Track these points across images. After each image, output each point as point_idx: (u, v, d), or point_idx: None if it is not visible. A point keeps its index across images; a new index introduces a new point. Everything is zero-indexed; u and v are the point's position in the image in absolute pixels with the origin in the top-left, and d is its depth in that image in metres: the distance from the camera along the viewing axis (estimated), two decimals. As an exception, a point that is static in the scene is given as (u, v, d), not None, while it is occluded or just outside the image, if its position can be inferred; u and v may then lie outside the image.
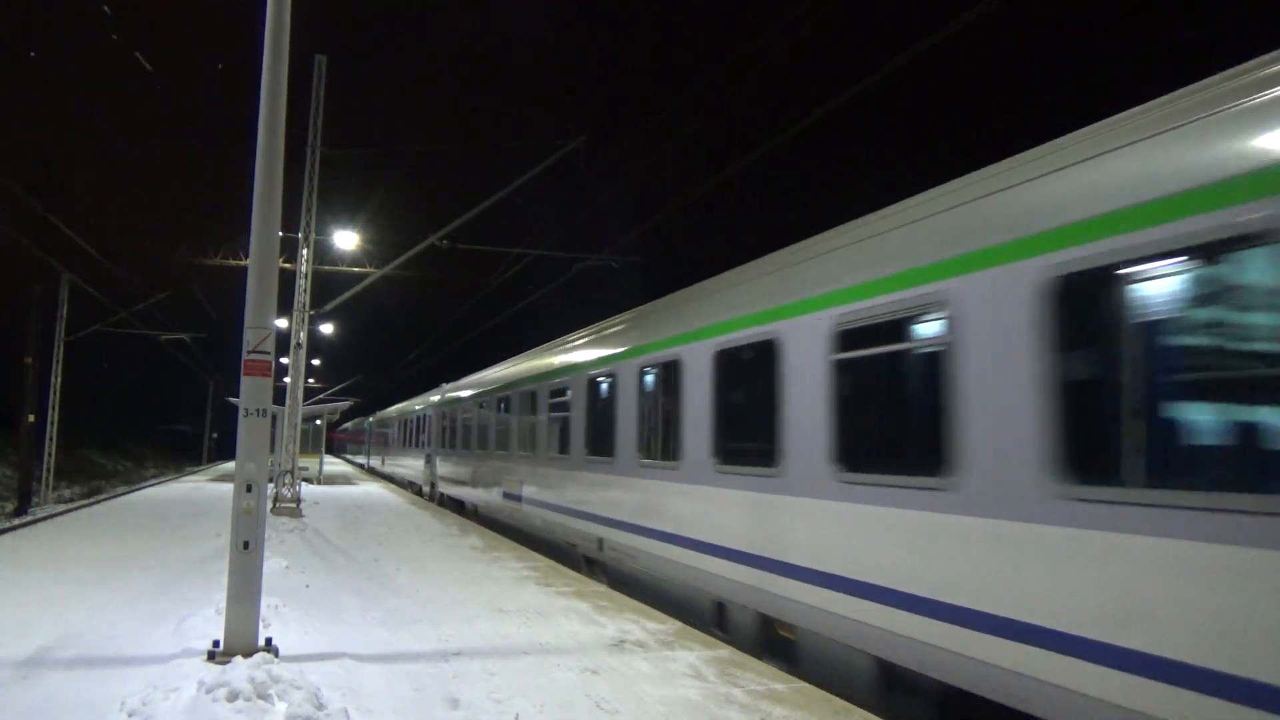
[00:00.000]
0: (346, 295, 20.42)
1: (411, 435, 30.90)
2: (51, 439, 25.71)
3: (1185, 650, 3.70)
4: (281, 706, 4.80)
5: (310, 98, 18.78)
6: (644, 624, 7.72)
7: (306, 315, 19.36)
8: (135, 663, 6.00)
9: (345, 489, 28.52)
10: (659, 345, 9.43)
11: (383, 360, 58.89)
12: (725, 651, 6.79)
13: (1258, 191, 3.65)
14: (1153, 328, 4.14)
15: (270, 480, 15.03)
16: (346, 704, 5.03)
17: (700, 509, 8.20)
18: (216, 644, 5.99)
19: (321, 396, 49.23)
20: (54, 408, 25.88)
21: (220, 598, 6.46)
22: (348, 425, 74.70)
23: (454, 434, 22.01)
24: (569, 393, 12.41)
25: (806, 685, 5.84)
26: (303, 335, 19.22)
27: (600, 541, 10.74)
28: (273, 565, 9.43)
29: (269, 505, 14.49)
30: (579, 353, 12.47)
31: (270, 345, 6.39)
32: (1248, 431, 3.80)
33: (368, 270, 23.91)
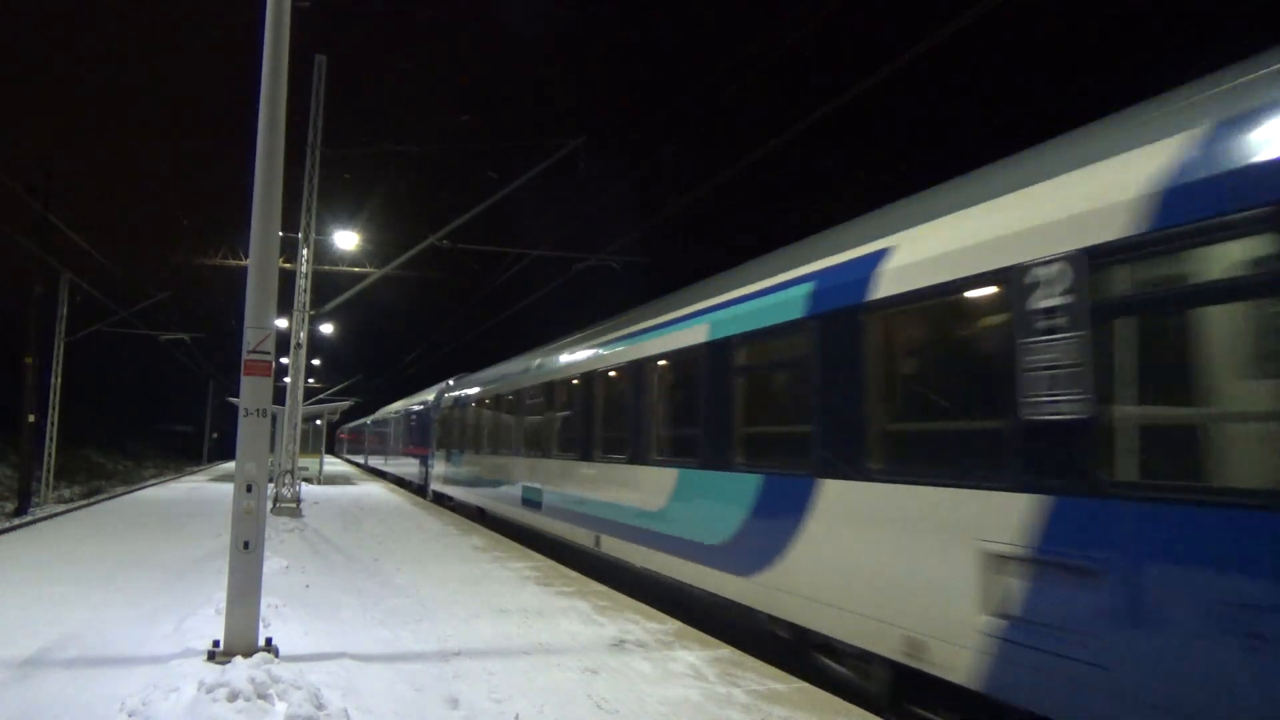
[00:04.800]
0: (346, 295, 20.42)
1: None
2: (51, 439, 25.70)
3: None
4: (281, 706, 4.80)
5: (310, 98, 18.81)
6: (644, 624, 7.72)
7: (306, 315, 19.37)
8: (135, 663, 6.00)
9: (345, 489, 28.53)
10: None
11: (383, 360, 58.75)
12: (725, 651, 6.79)
13: None
14: None
15: (270, 480, 15.02)
16: (346, 704, 5.02)
17: None
18: (216, 644, 5.98)
19: (321, 396, 49.21)
20: (54, 408, 25.87)
21: (220, 597, 6.46)
22: (401, 409, 33.63)
23: None
24: None
25: (807, 685, 5.84)
26: (303, 335, 19.22)
27: None
28: (273, 565, 9.43)
29: (269, 505, 14.48)
30: None
31: (270, 345, 6.38)
32: None
33: (368, 270, 23.91)
